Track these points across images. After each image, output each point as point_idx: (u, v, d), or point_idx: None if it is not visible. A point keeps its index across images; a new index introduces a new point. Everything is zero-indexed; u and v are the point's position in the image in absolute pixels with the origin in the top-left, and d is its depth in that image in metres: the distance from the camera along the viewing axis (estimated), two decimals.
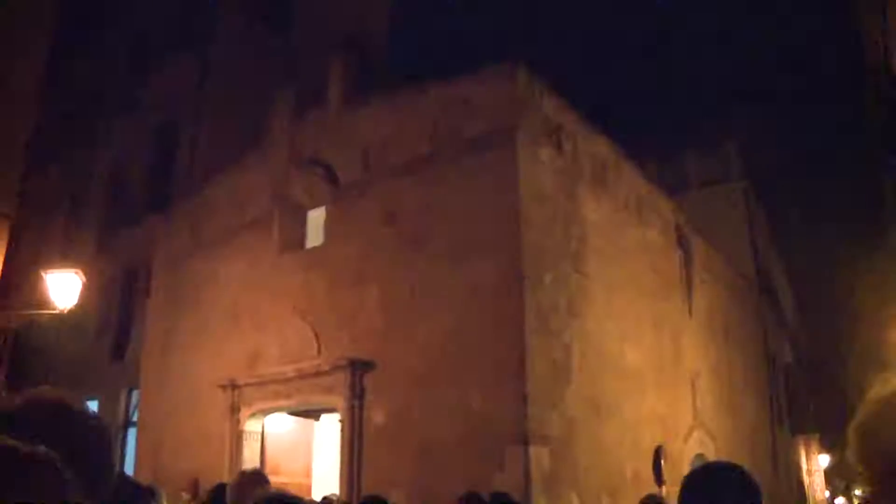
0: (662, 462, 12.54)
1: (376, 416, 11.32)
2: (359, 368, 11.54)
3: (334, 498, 10.39)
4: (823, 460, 34.40)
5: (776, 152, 31.47)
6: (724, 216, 21.91)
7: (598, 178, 13.08)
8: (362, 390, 11.51)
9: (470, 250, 10.86)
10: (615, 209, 13.52)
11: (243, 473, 4.64)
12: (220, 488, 5.07)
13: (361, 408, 11.47)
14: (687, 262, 16.39)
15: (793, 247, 32.78)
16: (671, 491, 12.81)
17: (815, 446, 33.09)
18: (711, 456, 15.60)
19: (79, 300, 12.16)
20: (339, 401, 11.70)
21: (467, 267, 10.80)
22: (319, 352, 12.23)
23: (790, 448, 26.57)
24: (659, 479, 12.31)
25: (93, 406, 19.32)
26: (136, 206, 19.81)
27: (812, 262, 35.98)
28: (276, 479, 12.68)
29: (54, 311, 12.05)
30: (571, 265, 11.75)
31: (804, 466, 30.60)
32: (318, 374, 12.00)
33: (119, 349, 19.03)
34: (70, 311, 12.12)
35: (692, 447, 14.96)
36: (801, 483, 28.63)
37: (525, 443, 9.82)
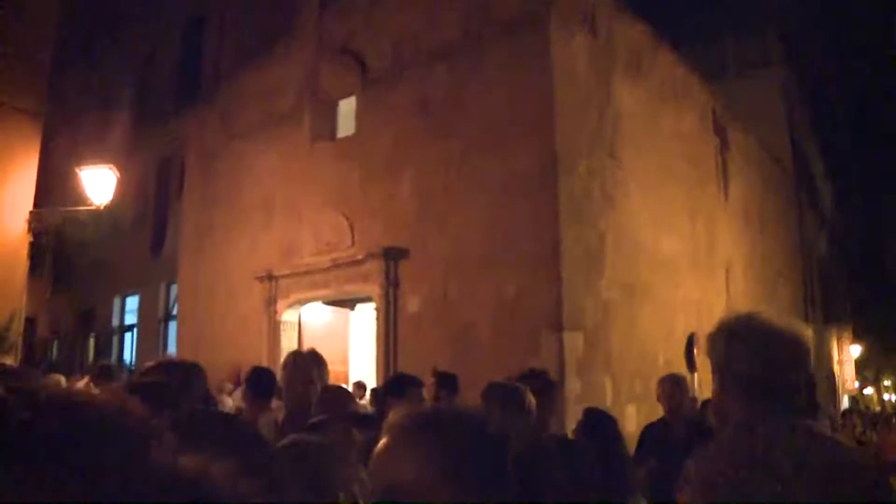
0: (695, 350, 12.59)
1: (411, 304, 11.44)
2: (393, 257, 11.59)
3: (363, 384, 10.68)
4: (855, 351, 34.46)
5: (819, 37, 30.36)
6: (763, 103, 21.29)
7: (633, 63, 12.71)
8: (397, 278, 11.60)
9: (504, 137, 10.69)
10: (650, 95, 13.19)
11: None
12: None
13: (396, 296, 11.58)
14: (723, 149, 16.08)
15: (833, 137, 31.99)
16: (703, 378, 12.92)
17: (847, 336, 33.09)
18: None
19: (114, 196, 12.24)
20: (374, 289, 11.81)
21: (501, 154, 10.66)
22: (354, 241, 12.29)
23: (822, 338, 26.60)
24: (691, 366, 12.39)
25: (133, 301, 19.83)
26: (167, 99, 19.75)
27: (851, 152, 35.26)
28: None
29: (91, 208, 12.15)
30: (606, 152, 11.56)
31: (835, 357, 30.70)
32: (352, 263, 12.08)
33: (157, 244, 19.29)
34: (107, 208, 12.20)
35: None
36: (831, 373, 28.77)
37: (559, 328, 9.90)
